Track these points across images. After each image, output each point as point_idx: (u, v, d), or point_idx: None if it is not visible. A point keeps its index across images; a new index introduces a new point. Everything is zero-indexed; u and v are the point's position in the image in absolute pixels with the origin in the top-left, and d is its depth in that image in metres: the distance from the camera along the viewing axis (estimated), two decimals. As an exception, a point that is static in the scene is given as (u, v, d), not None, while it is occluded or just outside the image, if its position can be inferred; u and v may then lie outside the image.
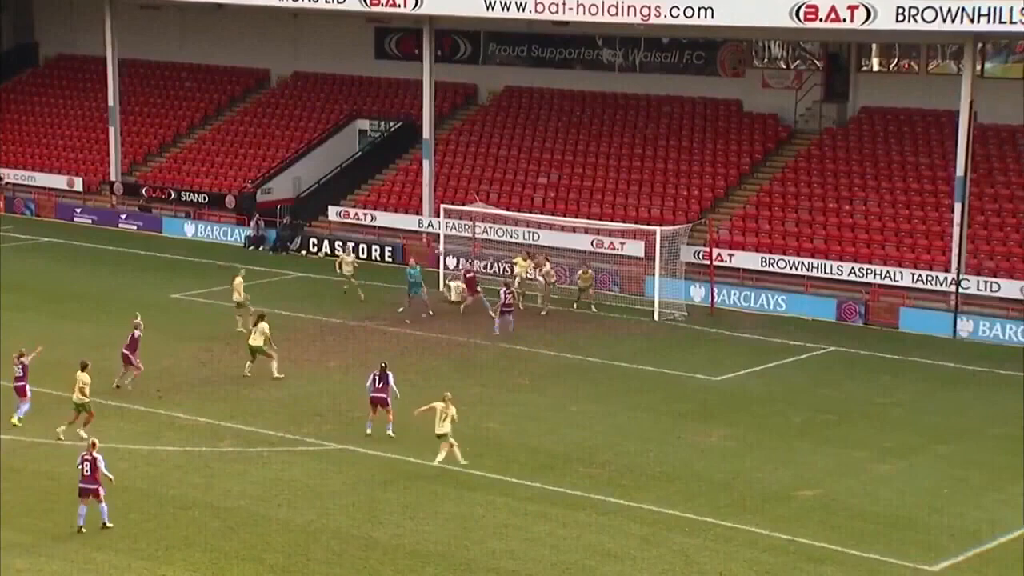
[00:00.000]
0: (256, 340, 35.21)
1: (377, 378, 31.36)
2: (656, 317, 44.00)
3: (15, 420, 31.67)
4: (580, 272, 45.39)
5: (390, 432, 31.30)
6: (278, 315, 42.66)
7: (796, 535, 26.36)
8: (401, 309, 43.20)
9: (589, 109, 55.93)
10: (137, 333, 34.75)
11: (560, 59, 57.57)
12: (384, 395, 31.18)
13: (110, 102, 59.85)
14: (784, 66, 54.10)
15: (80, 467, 26.04)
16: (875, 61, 53.31)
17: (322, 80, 62.42)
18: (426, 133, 53.21)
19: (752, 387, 36.88)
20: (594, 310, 44.45)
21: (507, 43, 58.69)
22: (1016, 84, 48.79)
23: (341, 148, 58.78)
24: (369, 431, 31.52)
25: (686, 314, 44.22)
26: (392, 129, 58.70)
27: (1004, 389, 37.30)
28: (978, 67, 46.42)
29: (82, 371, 31.05)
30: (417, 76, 53.96)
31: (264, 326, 35.40)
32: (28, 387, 31.86)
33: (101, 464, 26.07)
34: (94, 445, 26.39)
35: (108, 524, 26.08)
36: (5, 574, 24.26)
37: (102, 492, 26.04)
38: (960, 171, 44.25)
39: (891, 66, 53.25)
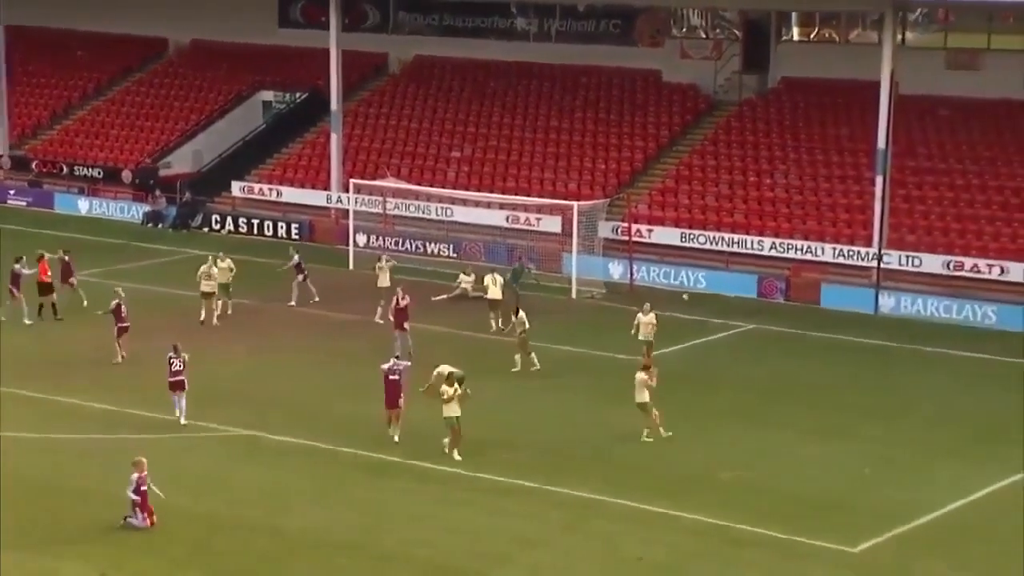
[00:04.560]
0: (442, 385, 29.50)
1: None
2: (574, 295, 43.39)
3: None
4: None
5: None
6: (177, 296, 41.01)
7: (717, 518, 26.00)
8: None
9: (503, 80, 54.87)
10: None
11: (472, 28, 56.62)
12: None
13: (-5, 71, 57.74)
14: (703, 35, 53.54)
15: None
16: (795, 30, 52.88)
17: (223, 49, 60.65)
18: (334, 105, 51.86)
19: (672, 367, 36.04)
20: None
21: (417, 11, 57.59)
22: (938, 54, 48.41)
23: (244, 120, 57.29)
24: None
25: (604, 292, 43.63)
26: (298, 100, 57.45)
27: (927, 366, 37.15)
28: (899, 37, 46.06)
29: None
30: (324, 45, 52.35)
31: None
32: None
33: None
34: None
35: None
36: None
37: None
38: (881, 143, 43.94)
39: (812, 35, 52.84)
